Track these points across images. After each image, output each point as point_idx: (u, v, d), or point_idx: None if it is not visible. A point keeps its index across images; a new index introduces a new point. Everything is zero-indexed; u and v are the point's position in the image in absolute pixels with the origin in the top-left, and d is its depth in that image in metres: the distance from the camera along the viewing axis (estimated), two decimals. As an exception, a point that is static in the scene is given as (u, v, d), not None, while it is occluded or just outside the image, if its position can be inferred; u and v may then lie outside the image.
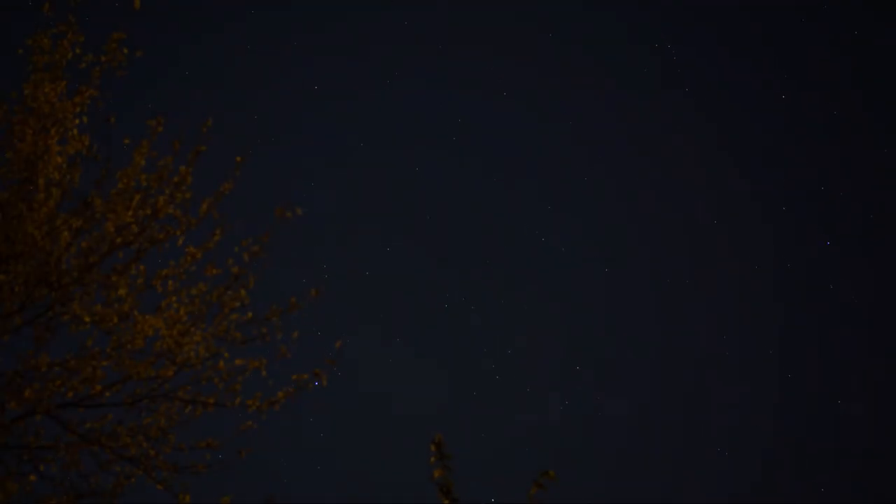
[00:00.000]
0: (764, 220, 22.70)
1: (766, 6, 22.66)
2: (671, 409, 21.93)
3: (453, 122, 22.67)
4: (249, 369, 9.53)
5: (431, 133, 22.73)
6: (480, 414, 21.65)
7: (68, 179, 9.34)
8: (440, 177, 22.85)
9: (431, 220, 22.58)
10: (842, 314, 22.06)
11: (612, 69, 22.77)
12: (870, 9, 22.29)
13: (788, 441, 21.66)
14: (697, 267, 22.67)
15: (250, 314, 9.63)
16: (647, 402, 22.05)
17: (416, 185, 22.77)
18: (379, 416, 20.88)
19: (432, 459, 5.37)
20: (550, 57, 22.57)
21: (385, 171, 22.65)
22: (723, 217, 22.81)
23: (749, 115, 22.70)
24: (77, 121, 9.43)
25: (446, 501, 5.35)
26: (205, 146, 9.68)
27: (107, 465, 9.36)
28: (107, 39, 9.52)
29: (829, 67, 22.50)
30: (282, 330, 9.66)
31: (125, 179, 9.43)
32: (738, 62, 22.68)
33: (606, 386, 22.19)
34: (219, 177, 9.80)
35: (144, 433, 9.37)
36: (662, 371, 22.17)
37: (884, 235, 22.21)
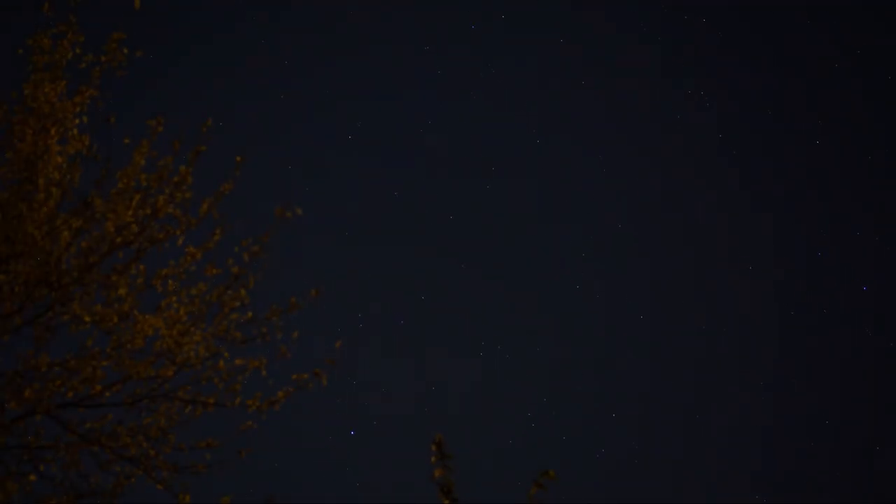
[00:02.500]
0: (764, 221, 22.71)
1: (770, 6, 22.67)
2: (671, 409, 21.93)
3: (453, 122, 22.68)
4: (249, 369, 9.52)
5: (431, 133, 22.73)
6: (480, 414, 21.65)
7: (68, 179, 9.34)
8: (440, 177, 22.87)
9: (431, 220, 22.58)
10: (842, 313, 22.06)
11: (612, 69, 22.78)
12: (873, 9, 22.29)
13: (789, 441, 21.66)
14: (698, 267, 22.67)
15: (250, 314, 9.63)
16: (648, 402, 22.05)
17: (417, 186, 22.78)
18: (379, 416, 20.88)
19: (433, 459, 5.37)
20: (551, 57, 22.57)
21: (385, 171, 22.66)
22: (723, 217, 22.81)
23: (749, 115, 22.68)
24: (77, 121, 9.43)
25: (446, 501, 5.35)
26: (205, 146, 9.68)
27: (107, 465, 9.35)
28: (107, 39, 9.52)
29: (830, 66, 22.48)
30: (282, 330, 9.66)
31: (125, 179, 9.42)
32: (740, 61, 22.67)
33: (606, 386, 22.19)
34: (219, 177, 9.80)
35: (144, 433, 9.37)
36: (662, 371, 22.17)
37: (884, 235, 22.21)
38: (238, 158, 9.80)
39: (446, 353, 21.97)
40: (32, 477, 9.14)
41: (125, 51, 9.53)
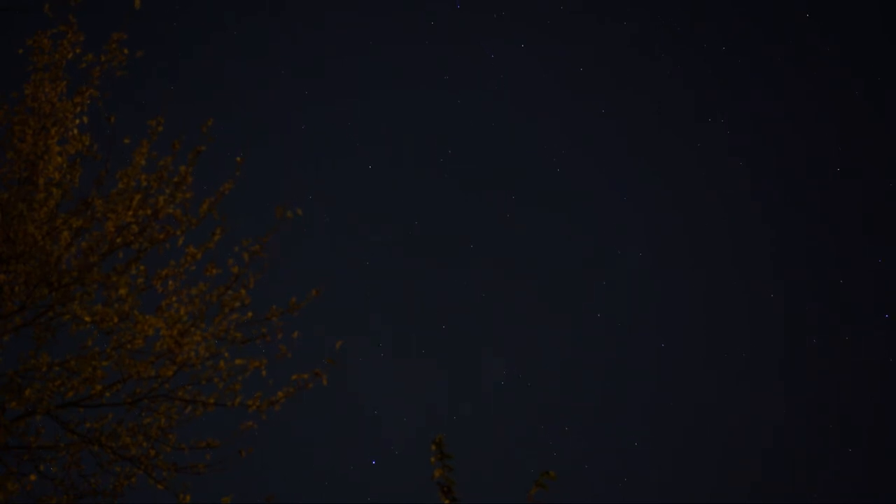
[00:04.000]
0: (764, 221, 22.69)
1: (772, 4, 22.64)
2: (673, 410, 21.92)
3: (455, 121, 22.68)
4: (250, 369, 9.52)
5: (431, 133, 22.73)
6: (481, 414, 21.64)
7: (68, 179, 9.34)
8: (442, 176, 22.85)
9: (432, 220, 22.57)
10: (846, 315, 22.04)
11: (614, 70, 22.78)
12: (878, 11, 22.26)
13: (791, 443, 21.66)
14: (700, 269, 22.66)
15: (250, 314, 9.63)
16: (649, 403, 22.05)
17: (418, 185, 22.77)
18: (379, 416, 20.88)
19: (433, 459, 5.38)
20: (552, 57, 22.57)
21: (386, 171, 22.65)
22: (726, 219, 22.79)
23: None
24: (77, 121, 9.44)
25: (447, 501, 5.35)
26: (205, 146, 9.68)
27: (107, 465, 9.37)
28: (107, 39, 9.52)
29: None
30: (282, 330, 9.65)
31: (125, 179, 9.43)
32: (743, 61, 22.65)
33: (608, 387, 22.18)
34: (219, 177, 9.81)
35: (145, 433, 9.38)
36: (665, 372, 22.15)
37: (885, 233, 22.19)
38: (238, 159, 9.80)
39: (447, 353, 21.97)
40: (32, 477, 9.14)
41: (125, 51, 9.54)
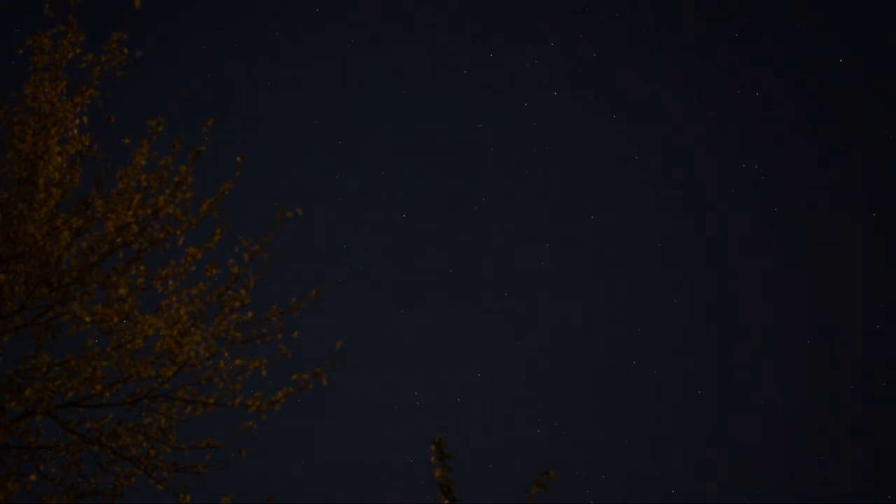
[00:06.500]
0: (765, 220, 22.69)
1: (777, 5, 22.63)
2: (673, 410, 21.92)
3: (455, 121, 22.68)
4: (250, 369, 9.52)
5: (431, 133, 22.73)
6: (481, 414, 21.65)
7: (68, 179, 9.35)
8: (442, 176, 22.85)
9: (433, 220, 22.58)
10: (847, 314, 22.04)
11: (614, 70, 22.78)
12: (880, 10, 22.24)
13: (792, 443, 21.66)
14: (701, 269, 22.65)
15: (250, 314, 9.63)
16: (650, 403, 22.04)
17: (419, 185, 22.77)
18: (380, 415, 20.88)
19: (433, 459, 5.38)
20: (556, 57, 22.57)
21: (386, 171, 22.65)
22: (727, 218, 22.79)
23: (752, 116, 22.60)
24: (77, 121, 9.45)
25: (446, 501, 5.35)
26: (205, 146, 9.68)
27: (107, 465, 9.38)
28: (107, 39, 9.53)
29: (835, 63, 22.38)
30: (282, 330, 9.65)
31: (125, 179, 9.44)
32: (743, 60, 22.64)
33: (608, 387, 22.18)
34: (219, 177, 9.81)
35: (145, 433, 9.38)
36: (666, 372, 22.15)
37: (886, 232, 22.18)
38: (239, 159, 9.80)
39: (447, 352, 21.97)
40: (32, 477, 9.15)
41: (125, 51, 9.55)
